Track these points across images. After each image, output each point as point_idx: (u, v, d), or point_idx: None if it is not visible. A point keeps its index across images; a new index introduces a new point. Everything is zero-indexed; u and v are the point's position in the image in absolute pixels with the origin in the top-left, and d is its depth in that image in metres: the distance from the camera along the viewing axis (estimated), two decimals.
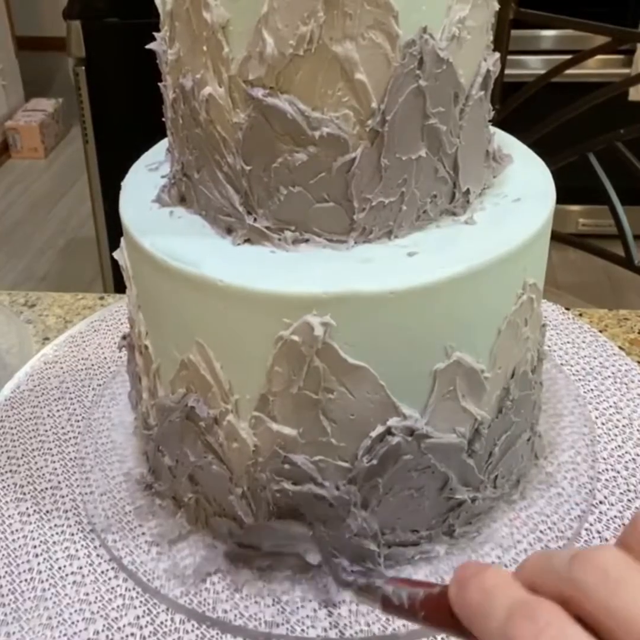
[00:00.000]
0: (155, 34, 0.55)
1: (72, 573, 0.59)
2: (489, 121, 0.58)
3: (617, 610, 0.28)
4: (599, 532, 0.61)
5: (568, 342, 0.80)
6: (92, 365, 0.79)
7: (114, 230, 1.79)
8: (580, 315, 0.87)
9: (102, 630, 0.55)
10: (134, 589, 0.58)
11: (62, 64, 3.32)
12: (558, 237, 1.09)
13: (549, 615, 0.29)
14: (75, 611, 0.57)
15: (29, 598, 0.58)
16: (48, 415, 0.74)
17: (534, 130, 1.25)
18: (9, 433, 0.72)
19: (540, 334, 0.62)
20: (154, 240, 0.54)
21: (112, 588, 0.58)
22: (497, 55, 0.56)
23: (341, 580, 0.51)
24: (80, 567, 0.60)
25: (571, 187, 0.92)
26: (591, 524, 0.62)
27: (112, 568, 0.60)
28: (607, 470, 0.66)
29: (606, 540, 0.60)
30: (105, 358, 0.80)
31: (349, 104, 0.50)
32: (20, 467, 0.68)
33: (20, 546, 0.61)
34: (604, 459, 0.67)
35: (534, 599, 0.30)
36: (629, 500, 0.63)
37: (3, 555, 0.61)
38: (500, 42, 1.23)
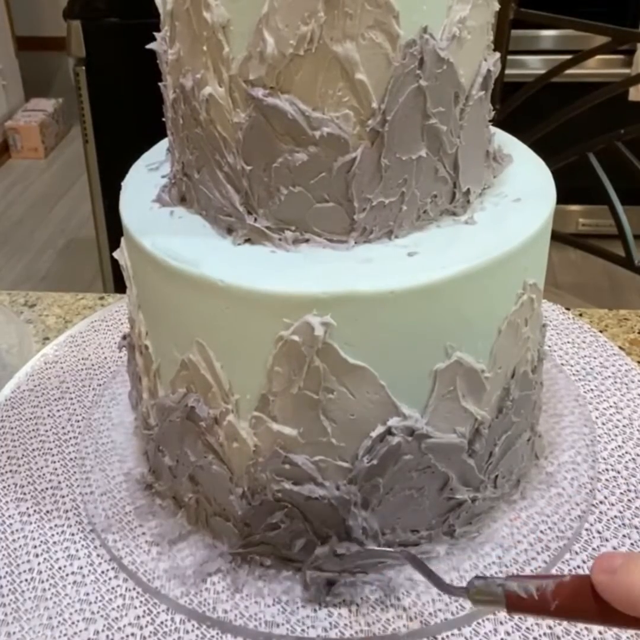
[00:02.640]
0: (155, 34, 0.55)
1: (72, 573, 0.59)
2: (490, 121, 0.58)
3: None
4: (599, 532, 0.61)
5: (568, 342, 0.80)
6: (92, 365, 0.79)
7: (114, 230, 1.79)
8: (580, 315, 0.87)
9: (102, 630, 0.55)
10: (134, 589, 0.58)
11: (62, 64, 3.32)
12: (558, 237, 1.09)
13: None
14: (76, 611, 0.57)
15: (30, 598, 0.58)
16: (48, 415, 0.74)
17: (534, 130, 1.25)
18: (9, 433, 0.72)
19: (540, 334, 0.62)
20: (154, 240, 0.54)
21: (113, 588, 0.58)
22: (498, 55, 0.56)
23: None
24: (81, 567, 0.60)
25: (571, 187, 0.92)
26: (591, 524, 0.61)
27: (113, 568, 0.60)
28: (607, 470, 0.66)
29: (606, 540, 0.60)
30: (105, 358, 0.80)
31: (350, 103, 0.50)
32: (20, 467, 0.68)
33: (20, 546, 0.61)
34: (604, 459, 0.67)
35: None
36: (629, 500, 0.63)
37: (3, 555, 0.61)
38: (500, 42, 1.23)
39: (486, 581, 0.45)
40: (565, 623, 0.54)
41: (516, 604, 0.42)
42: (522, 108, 1.28)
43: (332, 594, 0.56)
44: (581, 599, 0.38)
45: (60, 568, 0.60)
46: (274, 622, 0.55)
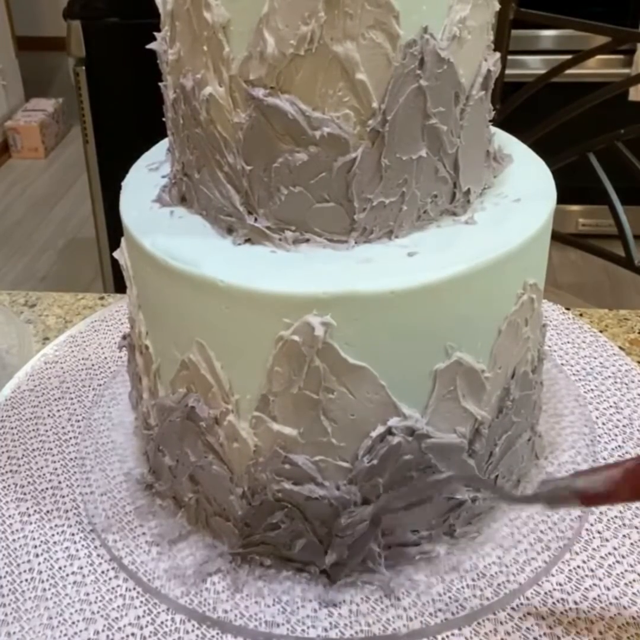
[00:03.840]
0: (155, 34, 0.55)
1: (72, 573, 0.59)
2: (490, 121, 0.58)
3: None
4: (599, 532, 0.61)
5: (568, 342, 0.80)
6: (93, 365, 0.79)
7: (114, 230, 1.79)
8: (581, 315, 0.87)
9: (103, 630, 0.55)
10: (134, 589, 0.58)
11: (62, 64, 3.31)
12: (558, 237, 1.09)
13: None
14: (76, 611, 0.57)
15: (30, 598, 0.58)
16: (48, 415, 0.74)
17: (534, 130, 1.25)
18: (10, 433, 0.72)
19: (540, 334, 0.62)
20: (155, 240, 0.54)
21: (113, 588, 0.58)
22: (498, 55, 0.56)
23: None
24: (81, 567, 0.60)
25: (571, 187, 0.92)
26: (591, 524, 0.61)
27: (113, 568, 0.60)
28: None
29: (606, 540, 0.60)
30: (105, 358, 0.80)
31: (350, 103, 0.50)
32: (20, 467, 0.68)
33: (20, 546, 0.61)
34: (604, 459, 0.67)
35: None
36: None
37: (4, 555, 0.61)
38: (500, 42, 1.23)
39: (555, 484, 0.47)
40: (565, 623, 0.55)
41: (590, 499, 0.44)
42: (522, 108, 1.27)
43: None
44: None
45: (60, 568, 0.60)
46: (274, 622, 0.55)
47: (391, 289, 0.49)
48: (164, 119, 0.58)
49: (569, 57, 1.26)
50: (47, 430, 0.72)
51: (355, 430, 0.53)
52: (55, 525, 0.63)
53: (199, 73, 0.52)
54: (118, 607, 0.57)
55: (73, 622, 0.56)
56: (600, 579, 0.58)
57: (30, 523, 0.63)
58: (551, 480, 0.47)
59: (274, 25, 0.48)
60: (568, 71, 1.27)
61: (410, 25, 0.48)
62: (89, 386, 0.77)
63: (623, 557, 0.59)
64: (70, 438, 0.71)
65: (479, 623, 0.55)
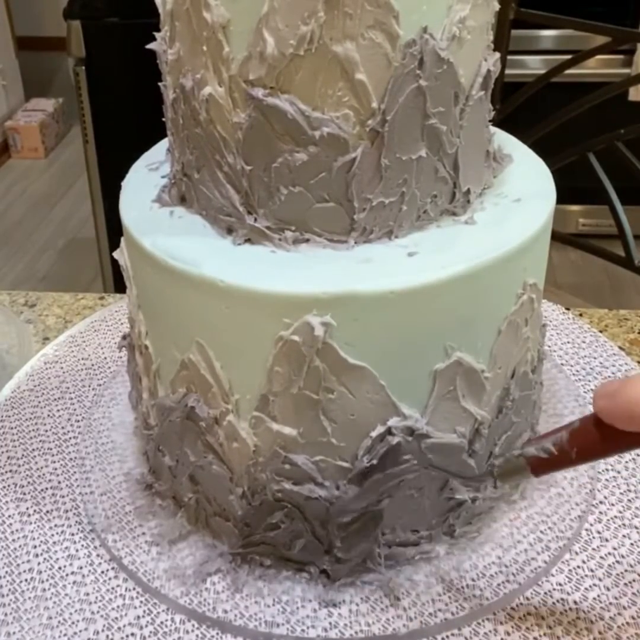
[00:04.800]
0: (155, 34, 0.55)
1: (72, 573, 0.59)
2: (490, 121, 0.58)
3: None
4: (599, 532, 0.61)
5: (568, 342, 0.80)
6: (92, 365, 0.79)
7: (114, 230, 1.79)
8: (580, 315, 0.87)
9: (102, 630, 0.55)
10: (134, 589, 0.58)
11: (62, 64, 3.32)
12: (558, 237, 1.09)
13: None
14: (76, 611, 0.57)
15: (29, 598, 0.58)
16: (48, 415, 0.74)
17: (534, 130, 1.25)
18: (9, 433, 0.72)
19: (540, 334, 0.62)
20: (154, 240, 0.54)
21: (112, 588, 0.58)
22: (497, 55, 0.56)
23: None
24: (81, 567, 0.60)
25: (571, 187, 0.92)
26: (591, 524, 0.61)
27: (112, 568, 0.60)
28: (607, 470, 0.66)
29: (606, 540, 0.60)
30: (105, 358, 0.80)
31: (349, 103, 0.50)
32: (20, 467, 0.68)
33: (20, 546, 0.61)
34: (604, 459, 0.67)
35: None
36: (629, 500, 0.63)
37: (3, 555, 0.61)
38: (500, 42, 1.23)
39: (505, 456, 0.47)
40: (565, 623, 0.55)
41: (540, 465, 0.44)
42: (522, 108, 1.28)
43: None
44: (594, 437, 0.42)
45: (60, 568, 0.60)
46: (274, 622, 0.55)
47: (391, 289, 0.49)
48: (163, 119, 0.58)
49: (569, 57, 1.26)
50: (47, 430, 0.72)
51: (355, 430, 0.53)
52: (55, 525, 0.63)
53: (199, 73, 0.52)
54: (118, 607, 0.57)
55: (73, 622, 0.56)
56: (600, 579, 0.58)
57: (30, 523, 0.63)
58: (502, 455, 0.48)
59: (273, 25, 0.48)
60: (568, 71, 1.27)
61: (410, 25, 0.48)
62: (89, 386, 0.77)
63: (623, 557, 0.59)
64: (70, 438, 0.71)
65: (479, 623, 0.55)
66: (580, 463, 0.44)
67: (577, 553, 0.59)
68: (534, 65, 1.99)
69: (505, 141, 0.63)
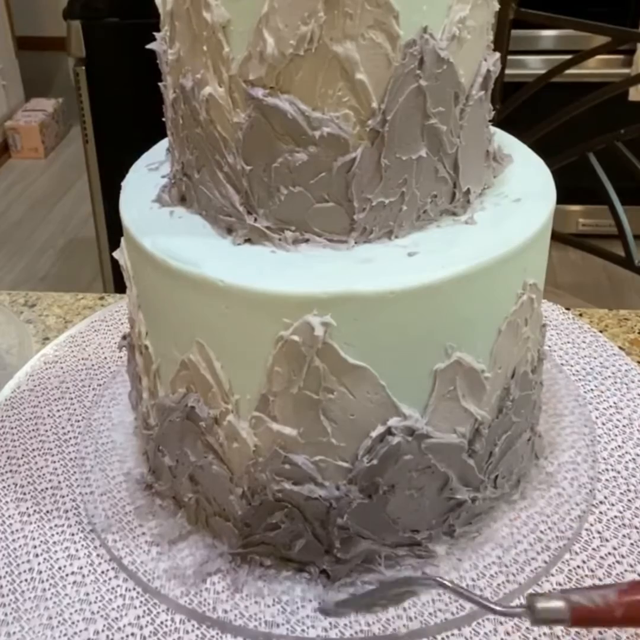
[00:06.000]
0: (155, 34, 0.55)
1: (72, 573, 0.59)
2: (490, 121, 0.58)
3: None
4: (599, 532, 0.61)
5: (568, 342, 0.80)
6: (92, 365, 0.79)
7: (114, 230, 1.79)
8: (580, 315, 0.87)
9: (102, 630, 0.55)
10: (134, 589, 0.58)
11: (62, 64, 3.31)
12: (558, 237, 1.09)
13: None
14: (76, 611, 0.57)
15: (29, 598, 0.58)
16: (48, 415, 0.74)
17: (534, 130, 1.25)
18: (9, 433, 0.72)
19: (540, 334, 0.62)
20: (154, 240, 0.54)
21: (112, 588, 0.58)
22: (497, 55, 0.56)
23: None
24: (81, 567, 0.60)
25: (571, 187, 0.92)
26: (591, 524, 0.61)
27: (112, 568, 0.60)
28: (607, 470, 0.66)
29: (606, 540, 0.60)
30: (105, 358, 0.80)
31: (349, 103, 0.50)
32: (20, 467, 0.68)
33: (20, 546, 0.61)
34: (604, 459, 0.67)
35: None
36: (629, 500, 0.63)
37: (3, 555, 0.61)
38: (500, 42, 1.23)
39: (547, 597, 0.43)
40: None
41: (582, 617, 0.41)
42: (522, 108, 1.27)
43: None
44: None
45: (60, 568, 0.60)
46: (274, 622, 0.55)
47: (391, 289, 0.49)
48: (163, 119, 0.58)
49: (569, 57, 1.26)
50: (47, 430, 0.72)
51: (355, 430, 0.53)
52: (55, 525, 0.63)
53: (199, 73, 0.52)
54: (118, 607, 0.57)
55: (73, 622, 0.56)
56: (600, 579, 0.58)
57: (30, 523, 0.63)
58: (541, 594, 0.44)
59: (273, 25, 0.48)
60: (568, 71, 1.27)
61: (410, 25, 0.48)
62: (89, 386, 0.77)
63: (623, 557, 0.59)
64: (70, 438, 0.71)
65: (479, 623, 0.55)
66: (623, 625, 0.42)
67: (577, 553, 0.59)
68: (534, 65, 1.99)
69: (505, 141, 0.63)
